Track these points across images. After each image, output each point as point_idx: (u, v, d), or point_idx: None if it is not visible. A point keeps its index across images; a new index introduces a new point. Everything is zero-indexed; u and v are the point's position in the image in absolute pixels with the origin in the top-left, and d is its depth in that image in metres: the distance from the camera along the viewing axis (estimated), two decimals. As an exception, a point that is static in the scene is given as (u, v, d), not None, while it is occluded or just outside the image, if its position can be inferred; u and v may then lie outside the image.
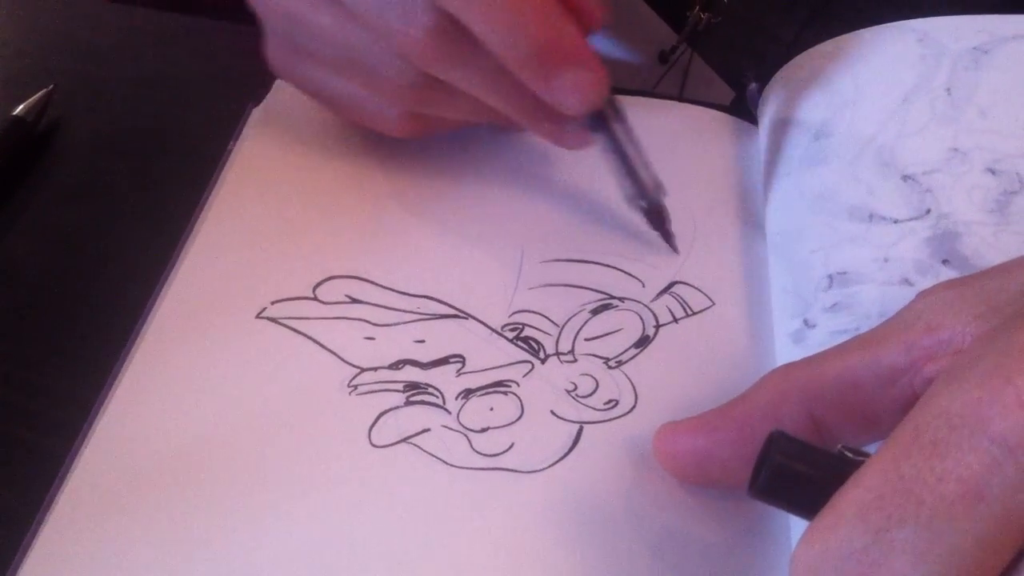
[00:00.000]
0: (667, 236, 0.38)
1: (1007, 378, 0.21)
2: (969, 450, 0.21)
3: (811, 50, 0.42)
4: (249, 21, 0.40)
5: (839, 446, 0.25)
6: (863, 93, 0.39)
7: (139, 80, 0.49)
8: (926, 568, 0.21)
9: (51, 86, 0.47)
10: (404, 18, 0.34)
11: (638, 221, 0.39)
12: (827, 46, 0.42)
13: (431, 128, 0.40)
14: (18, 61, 0.50)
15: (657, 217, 0.38)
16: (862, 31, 0.41)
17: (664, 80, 0.49)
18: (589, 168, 0.41)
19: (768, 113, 0.42)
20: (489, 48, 0.33)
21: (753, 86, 0.45)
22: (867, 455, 0.24)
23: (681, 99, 0.45)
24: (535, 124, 0.37)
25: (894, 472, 0.22)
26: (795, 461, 0.25)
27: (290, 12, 0.37)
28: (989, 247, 0.34)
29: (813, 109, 0.40)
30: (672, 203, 0.38)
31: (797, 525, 0.30)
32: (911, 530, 0.21)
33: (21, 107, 0.45)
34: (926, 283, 0.29)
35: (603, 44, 0.50)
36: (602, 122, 0.36)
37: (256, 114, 0.44)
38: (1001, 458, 0.21)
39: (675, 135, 0.43)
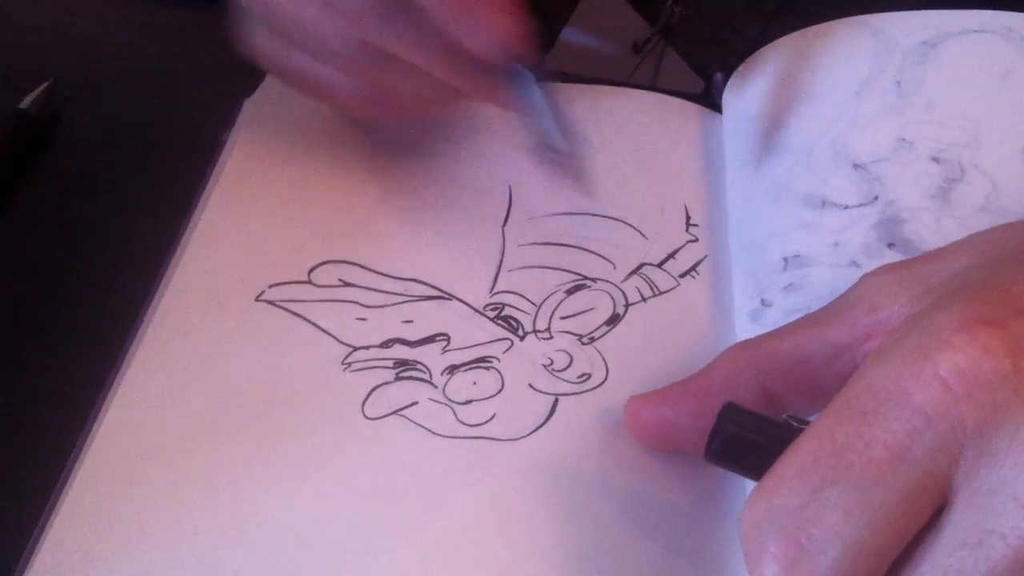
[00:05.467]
0: (579, 182, 0.38)
1: (926, 356, 0.24)
2: (893, 419, 0.24)
3: (772, 44, 0.44)
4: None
5: (785, 415, 0.28)
6: (819, 86, 0.42)
7: (136, 73, 0.51)
8: (855, 522, 0.24)
9: (51, 79, 0.48)
10: None
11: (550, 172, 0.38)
12: (787, 40, 0.44)
13: (390, 108, 0.41)
14: (16, 56, 0.52)
15: (570, 163, 0.37)
16: (820, 26, 0.44)
17: (638, 70, 0.51)
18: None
19: (731, 104, 0.45)
20: None
21: (718, 77, 0.47)
22: (808, 423, 0.26)
23: (654, 89, 0.47)
24: (471, 84, 0.38)
25: (829, 439, 0.25)
26: (745, 430, 0.28)
27: None
28: (931, 232, 0.37)
29: (773, 101, 0.43)
30: (641, 188, 0.41)
31: (750, 486, 0.32)
32: (842, 489, 0.24)
33: (26, 100, 0.47)
34: (872, 265, 0.31)
35: (580, 36, 0.52)
36: (522, 77, 0.37)
37: (248, 107, 0.46)
38: (921, 426, 0.24)
39: (646, 123, 0.45)
